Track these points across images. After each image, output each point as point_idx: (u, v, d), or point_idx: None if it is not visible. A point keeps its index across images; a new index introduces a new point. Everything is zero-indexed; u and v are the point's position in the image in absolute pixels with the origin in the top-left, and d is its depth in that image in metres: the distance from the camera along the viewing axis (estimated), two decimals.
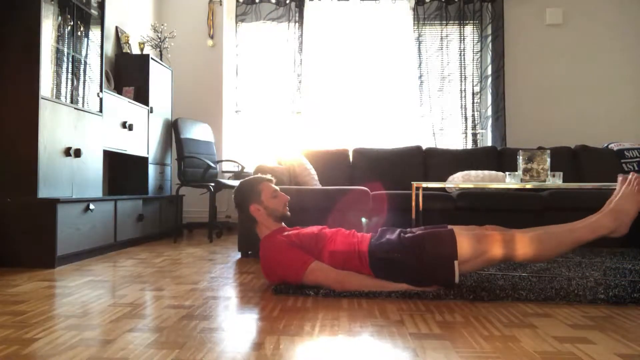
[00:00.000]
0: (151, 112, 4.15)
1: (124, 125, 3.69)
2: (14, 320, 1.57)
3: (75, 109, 3.03)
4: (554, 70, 4.98)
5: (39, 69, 2.70)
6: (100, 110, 3.34)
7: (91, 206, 2.98)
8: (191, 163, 4.22)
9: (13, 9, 2.72)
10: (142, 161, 4.06)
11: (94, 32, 3.33)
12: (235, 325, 1.53)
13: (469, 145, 4.94)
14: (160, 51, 4.70)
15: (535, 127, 4.92)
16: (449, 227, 2.00)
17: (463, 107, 4.95)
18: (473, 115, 4.98)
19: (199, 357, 1.24)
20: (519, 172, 3.03)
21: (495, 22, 4.94)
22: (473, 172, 3.79)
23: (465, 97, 4.96)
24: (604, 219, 1.89)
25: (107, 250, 3.22)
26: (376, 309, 1.73)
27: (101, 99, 3.35)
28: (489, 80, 4.98)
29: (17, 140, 2.69)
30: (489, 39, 4.97)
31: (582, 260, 2.78)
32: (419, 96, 4.96)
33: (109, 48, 4.09)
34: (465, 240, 1.89)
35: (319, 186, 3.52)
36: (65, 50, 2.99)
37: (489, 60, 4.99)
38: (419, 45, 4.97)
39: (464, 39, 4.97)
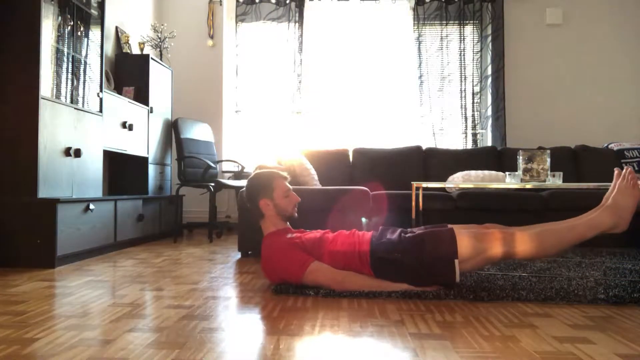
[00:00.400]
0: (151, 112, 4.15)
1: (124, 125, 3.69)
2: (14, 320, 1.57)
3: (75, 109, 3.03)
4: (554, 70, 4.98)
5: (39, 69, 2.70)
6: (100, 110, 3.34)
7: (91, 206, 2.98)
8: (191, 163, 4.22)
9: (13, 9, 2.72)
10: (142, 161, 4.06)
11: (94, 32, 3.33)
12: (235, 325, 1.53)
13: (469, 145, 4.94)
14: (160, 51, 4.70)
15: (535, 127, 4.92)
16: (449, 226, 2.00)
17: (463, 107, 4.95)
18: (473, 115, 4.98)
19: (199, 357, 1.24)
20: (519, 172, 3.03)
21: (495, 22, 4.94)
22: (473, 172, 3.79)
23: (465, 97, 4.96)
24: (603, 215, 1.89)
25: (107, 250, 3.22)
26: (376, 309, 1.73)
27: (101, 99, 3.35)
28: (489, 80, 4.98)
29: (17, 140, 2.69)
30: (489, 39, 4.97)
31: (582, 260, 2.78)
32: (419, 96, 4.96)
33: (109, 48, 4.09)
34: (465, 238, 1.89)
35: (319, 186, 3.52)
36: (65, 50, 2.99)
37: (489, 60, 4.99)
38: (419, 45, 4.97)
39: (464, 39, 4.97)
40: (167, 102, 4.52)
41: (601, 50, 4.96)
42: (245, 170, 4.52)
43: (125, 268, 2.63)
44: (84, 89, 3.19)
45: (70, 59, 3.05)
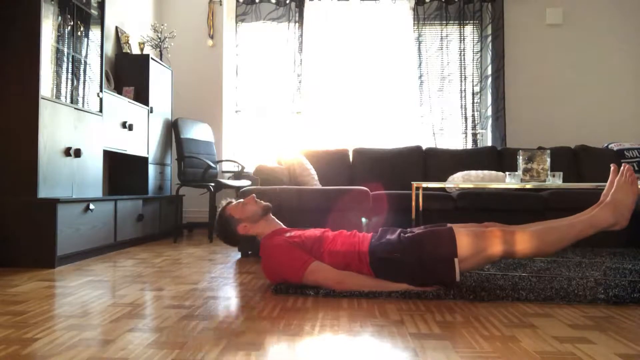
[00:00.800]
0: (151, 112, 4.15)
1: (124, 125, 3.69)
2: (14, 320, 1.57)
3: (75, 109, 3.03)
4: (553, 70, 4.98)
5: (39, 69, 2.70)
6: (100, 110, 3.34)
7: (91, 206, 2.98)
8: (191, 163, 4.22)
9: (13, 9, 2.72)
10: (142, 161, 4.06)
11: (94, 32, 3.33)
12: (235, 325, 1.53)
13: (469, 145, 4.94)
14: (160, 51, 4.70)
15: (535, 127, 4.91)
16: (449, 225, 2.00)
17: (463, 107, 4.95)
18: (473, 115, 4.98)
19: (199, 357, 1.24)
20: (519, 172, 3.03)
21: (495, 22, 4.93)
22: (473, 172, 3.79)
23: (465, 97, 4.95)
24: (603, 213, 1.89)
25: (107, 250, 3.22)
26: (376, 309, 1.73)
27: (101, 99, 3.35)
28: (489, 80, 4.98)
29: (17, 140, 2.69)
30: (489, 39, 4.97)
31: (582, 260, 2.78)
32: (419, 96, 4.95)
33: (109, 48, 4.09)
34: (465, 237, 1.89)
35: (319, 186, 3.52)
36: (65, 50, 3.00)
37: (489, 60, 4.99)
38: (419, 45, 4.97)
39: (464, 39, 4.97)
40: (167, 102, 4.52)
41: (601, 50, 4.96)
42: (245, 170, 4.52)
43: (125, 268, 2.63)
44: (84, 89, 3.19)
45: (70, 59, 3.05)
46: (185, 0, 5.12)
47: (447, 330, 1.47)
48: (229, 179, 4.79)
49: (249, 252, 3.11)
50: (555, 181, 2.98)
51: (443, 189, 3.73)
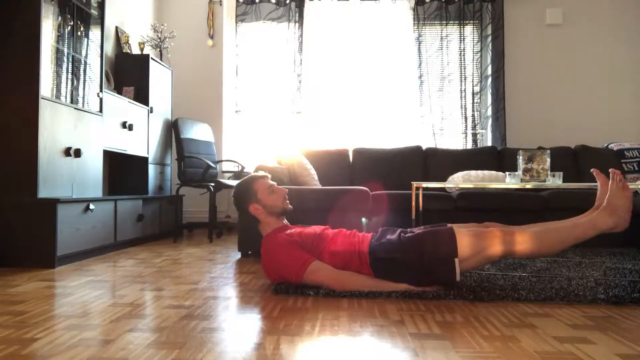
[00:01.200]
0: (151, 112, 4.15)
1: (124, 125, 3.69)
2: (14, 320, 1.57)
3: (75, 109, 3.03)
4: (554, 70, 4.98)
5: (39, 69, 2.70)
6: (100, 110, 3.34)
7: (91, 206, 2.98)
8: (191, 163, 4.22)
9: (13, 9, 2.72)
10: (142, 161, 4.06)
11: (94, 32, 3.33)
12: (235, 325, 1.53)
13: (469, 145, 4.94)
14: (160, 51, 4.70)
15: (535, 127, 4.92)
16: (449, 225, 2.00)
17: (463, 107, 4.95)
18: (473, 115, 4.98)
19: (199, 357, 1.24)
20: (519, 172, 3.03)
21: (495, 22, 4.94)
22: (473, 172, 3.79)
23: (465, 97, 4.96)
24: (603, 216, 1.90)
25: (107, 250, 3.22)
26: (376, 309, 1.73)
27: (101, 99, 3.35)
28: (489, 80, 4.98)
29: (17, 140, 2.69)
30: (489, 39, 4.97)
31: (582, 260, 2.78)
32: (419, 96, 4.96)
33: (109, 48, 4.09)
34: (465, 237, 1.89)
35: (319, 186, 3.52)
36: (65, 50, 3.00)
37: (489, 60, 4.99)
38: (419, 45, 4.97)
39: (464, 39, 4.97)
40: (167, 102, 4.52)
41: (601, 50, 4.96)
42: (245, 170, 4.52)
43: (125, 268, 2.63)
44: (84, 89, 3.19)
45: (70, 59, 3.05)
46: (185, 0, 5.13)
47: (447, 330, 1.47)
48: (229, 179, 4.79)
49: (249, 252, 3.11)
50: (555, 181, 2.98)
51: (443, 189, 3.73)
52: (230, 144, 5.21)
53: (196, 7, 5.11)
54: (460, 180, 3.78)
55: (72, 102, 3.05)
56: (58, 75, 2.92)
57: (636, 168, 4.15)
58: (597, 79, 4.96)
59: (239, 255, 3.10)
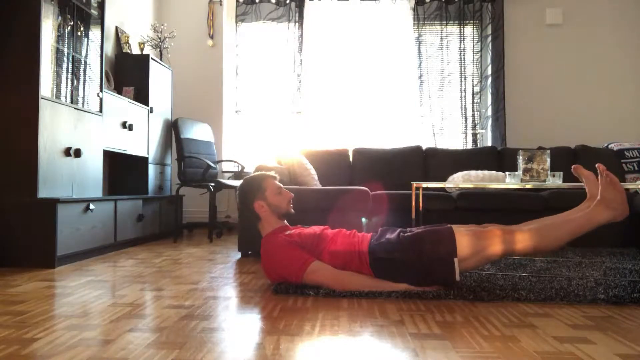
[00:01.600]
0: (151, 112, 4.15)
1: (124, 125, 3.69)
2: (14, 320, 1.57)
3: (75, 109, 3.03)
4: (554, 70, 4.98)
5: (39, 69, 2.70)
6: (100, 110, 3.34)
7: (91, 206, 2.98)
8: (191, 163, 4.22)
9: (13, 9, 2.72)
10: (142, 161, 4.06)
11: (94, 32, 3.33)
12: (235, 325, 1.53)
13: (469, 145, 4.94)
14: (160, 51, 4.70)
15: (535, 127, 4.92)
16: (448, 225, 2.00)
17: (463, 107, 4.95)
18: (473, 115, 4.98)
19: (199, 357, 1.24)
20: (519, 172, 3.03)
21: (495, 22, 4.94)
22: (473, 172, 3.79)
23: (465, 97, 4.96)
24: (598, 210, 1.91)
25: (107, 250, 3.22)
26: (376, 309, 1.73)
27: (101, 99, 3.35)
28: (489, 80, 4.98)
29: (17, 141, 2.69)
30: (489, 39, 4.97)
31: (582, 260, 2.78)
32: (419, 96, 4.96)
33: (109, 48, 4.09)
34: (465, 237, 1.90)
35: (319, 186, 3.52)
36: (65, 50, 3.00)
37: (489, 60, 4.99)
38: (419, 45, 4.97)
39: (464, 39, 4.97)
40: (167, 102, 4.52)
41: (601, 50, 4.96)
42: (245, 170, 4.52)
43: (125, 268, 2.63)
44: (84, 89, 3.19)
45: (70, 59, 3.05)
46: (185, 0, 5.12)
47: (447, 330, 1.47)
48: (229, 179, 4.79)
49: (249, 252, 3.11)
50: (555, 181, 2.98)
51: (443, 189, 3.73)
52: (230, 144, 5.21)
53: (196, 7, 5.11)
54: (460, 180, 3.78)
55: (72, 102, 3.05)
56: (58, 75, 2.92)
57: (636, 168, 4.15)
58: (597, 79, 4.96)
59: (239, 255, 3.10)
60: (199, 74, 5.08)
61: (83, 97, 3.17)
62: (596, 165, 1.99)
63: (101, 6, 3.37)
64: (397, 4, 5.03)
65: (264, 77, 5.13)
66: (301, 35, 5.01)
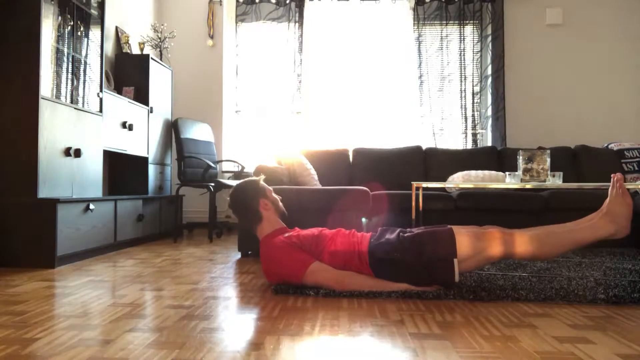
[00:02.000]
0: (151, 112, 4.15)
1: (124, 125, 3.69)
2: (14, 320, 1.57)
3: (75, 109, 3.03)
4: (554, 70, 4.98)
5: (39, 69, 2.70)
6: (100, 110, 3.34)
7: (91, 206, 2.98)
8: (191, 163, 4.22)
9: (13, 9, 2.72)
10: (142, 161, 4.06)
11: (94, 32, 3.33)
12: (235, 325, 1.53)
13: (469, 145, 4.94)
14: (160, 51, 4.70)
15: (535, 127, 4.92)
16: (449, 226, 2.01)
17: (463, 107, 4.95)
18: (473, 115, 4.98)
19: (199, 357, 1.24)
20: (519, 172, 3.03)
21: (495, 22, 4.94)
22: (473, 172, 3.79)
23: (465, 97, 4.96)
24: (603, 223, 1.91)
25: (107, 250, 3.22)
26: (376, 309, 1.73)
27: (101, 99, 3.35)
28: (489, 80, 4.98)
29: (17, 140, 2.69)
30: (489, 39, 4.97)
31: (582, 260, 2.78)
32: (419, 96, 4.96)
33: (109, 48, 4.09)
34: (465, 238, 1.90)
35: (319, 186, 3.52)
36: (65, 50, 2.99)
37: (489, 60, 4.99)
38: (419, 45, 4.97)
39: (464, 39, 4.97)
40: (167, 102, 4.52)
41: (601, 50, 4.96)
42: (245, 170, 4.52)
43: (125, 268, 2.63)
44: (84, 89, 3.19)
45: (70, 59, 3.05)
46: (185, 0, 5.13)
47: (447, 330, 1.47)
48: (229, 179, 4.79)
49: (249, 252, 3.11)
50: (555, 181, 2.98)
51: (443, 189, 3.73)
52: (230, 144, 5.21)
53: (196, 7, 5.11)
54: (460, 180, 3.77)
55: (72, 102, 3.05)
56: (58, 75, 2.92)
57: (636, 168, 4.15)
58: (597, 79, 4.96)
59: (239, 255, 3.10)
60: (199, 74, 5.09)
61: (83, 97, 3.17)
62: (612, 175, 1.97)
63: (101, 6, 3.37)
64: (397, 4, 5.04)
65: (264, 77, 5.13)
66: (301, 35, 5.01)
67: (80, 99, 3.14)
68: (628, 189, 3.52)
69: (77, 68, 3.12)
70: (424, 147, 4.40)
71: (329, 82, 5.10)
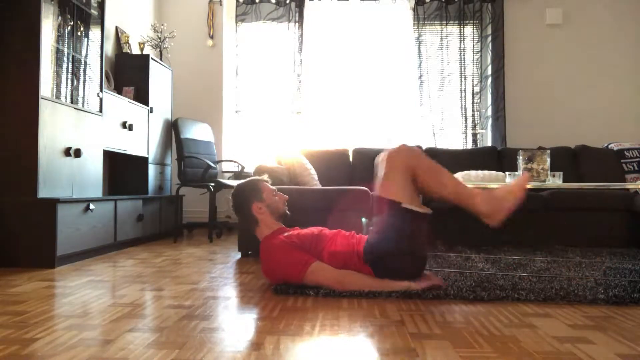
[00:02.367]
0: (151, 112, 4.15)
1: (124, 125, 3.69)
2: (14, 320, 1.57)
3: (75, 109, 3.03)
4: (554, 70, 4.98)
5: (39, 69, 2.70)
6: (100, 110, 3.34)
7: (91, 206, 2.98)
8: (191, 163, 4.22)
9: (13, 9, 2.72)
10: (142, 161, 4.06)
11: (94, 32, 3.33)
12: (235, 325, 1.53)
13: (469, 145, 4.94)
14: (160, 51, 4.70)
15: (535, 127, 4.92)
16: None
17: (463, 107, 4.95)
18: (473, 115, 4.98)
19: (199, 357, 1.24)
20: (519, 172, 3.03)
21: (495, 22, 4.94)
22: (473, 172, 3.78)
23: (465, 97, 4.96)
24: (483, 197, 1.91)
25: (107, 250, 3.21)
26: (376, 308, 1.73)
27: (101, 99, 3.35)
28: (489, 80, 4.98)
29: (17, 140, 2.69)
30: (489, 39, 4.97)
31: (582, 260, 2.78)
32: (419, 96, 4.95)
33: (109, 48, 4.09)
34: (386, 182, 1.99)
35: (319, 186, 3.52)
36: (65, 50, 2.99)
37: (489, 60, 4.99)
38: (419, 45, 4.97)
39: (464, 39, 4.97)
40: (167, 102, 4.52)
41: (601, 50, 4.96)
42: (245, 170, 4.52)
43: (125, 268, 2.63)
44: (84, 89, 3.19)
45: (70, 59, 3.05)
46: (185, 0, 5.13)
47: (447, 330, 1.47)
48: (229, 179, 4.79)
49: (249, 252, 3.11)
50: (555, 181, 2.98)
51: None
52: (230, 144, 5.21)
53: (196, 7, 5.11)
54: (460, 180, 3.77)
55: (72, 102, 3.05)
56: (58, 75, 2.92)
57: (636, 168, 4.15)
58: (597, 79, 4.96)
59: (239, 255, 3.10)
60: (199, 74, 5.09)
61: (83, 97, 3.17)
62: (523, 172, 1.98)
63: (101, 6, 3.37)
64: (397, 4, 5.03)
65: (264, 77, 5.13)
66: (301, 35, 5.01)
67: (80, 99, 3.14)
68: (628, 189, 3.53)
69: (77, 68, 3.12)
70: (424, 147, 4.40)
71: (329, 82, 5.10)
